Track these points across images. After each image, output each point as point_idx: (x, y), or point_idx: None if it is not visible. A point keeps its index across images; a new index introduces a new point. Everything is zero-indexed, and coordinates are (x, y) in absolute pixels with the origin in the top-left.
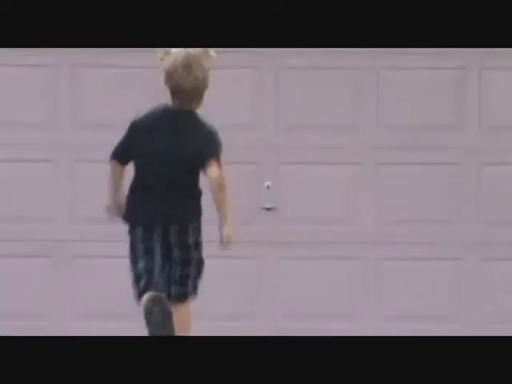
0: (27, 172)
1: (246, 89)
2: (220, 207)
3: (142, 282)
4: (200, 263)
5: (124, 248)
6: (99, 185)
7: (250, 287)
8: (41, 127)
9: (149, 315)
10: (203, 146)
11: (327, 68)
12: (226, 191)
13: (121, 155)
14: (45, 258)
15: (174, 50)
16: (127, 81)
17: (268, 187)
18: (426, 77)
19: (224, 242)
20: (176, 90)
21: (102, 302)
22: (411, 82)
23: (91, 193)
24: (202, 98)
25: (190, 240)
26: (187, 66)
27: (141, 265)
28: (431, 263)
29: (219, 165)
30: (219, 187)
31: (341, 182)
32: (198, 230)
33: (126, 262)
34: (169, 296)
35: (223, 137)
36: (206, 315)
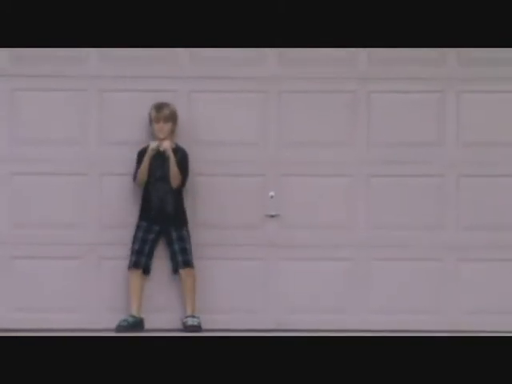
0: (61, 183)
1: (253, 111)
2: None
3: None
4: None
5: None
6: (122, 195)
7: (257, 284)
8: (73, 144)
9: None
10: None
11: (324, 92)
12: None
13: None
14: (76, 259)
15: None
16: (145, 103)
17: (272, 197)
18: (410, 99)
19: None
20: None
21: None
22: (398, 104)
23: (115, 202)
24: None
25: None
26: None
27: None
28: (415, 263)
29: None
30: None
31: (336, 192)
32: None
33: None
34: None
35: (233, 153)
36: (219, 308)
